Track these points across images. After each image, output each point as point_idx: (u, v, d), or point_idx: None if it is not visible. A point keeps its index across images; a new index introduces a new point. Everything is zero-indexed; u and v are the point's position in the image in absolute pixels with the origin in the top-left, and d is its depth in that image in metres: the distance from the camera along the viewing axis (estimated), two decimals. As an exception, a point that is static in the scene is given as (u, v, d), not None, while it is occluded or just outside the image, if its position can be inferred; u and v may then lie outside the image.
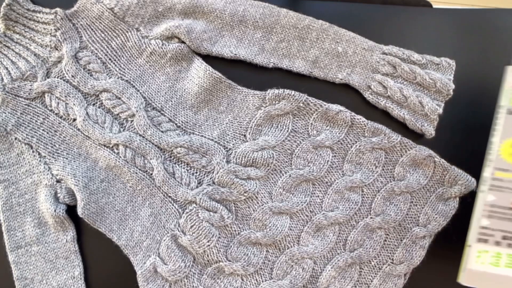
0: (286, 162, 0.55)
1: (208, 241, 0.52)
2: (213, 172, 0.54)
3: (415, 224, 0.53)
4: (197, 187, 0.54)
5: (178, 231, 0.53)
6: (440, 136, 0.55)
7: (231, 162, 0.54)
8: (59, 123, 0.55)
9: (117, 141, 0.54)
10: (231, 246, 0.53)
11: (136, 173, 0.54)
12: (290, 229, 0.54)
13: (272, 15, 0.58)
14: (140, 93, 0.56)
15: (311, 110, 0.55)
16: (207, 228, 0.52)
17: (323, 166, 0.54)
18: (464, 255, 0.49)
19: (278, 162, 0.55)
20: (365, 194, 0.54)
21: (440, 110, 0.55)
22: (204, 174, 0.54)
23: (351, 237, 0.54)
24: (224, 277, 0.53)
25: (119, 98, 0.56)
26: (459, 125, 0.57)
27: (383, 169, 0.54)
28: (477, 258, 0.48)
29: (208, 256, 0.52)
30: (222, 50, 0.58)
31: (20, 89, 0.55)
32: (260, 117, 0.55)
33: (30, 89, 0.55)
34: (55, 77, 0.56)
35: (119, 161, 0.54)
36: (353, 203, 0.54)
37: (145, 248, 0.53)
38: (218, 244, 0.52)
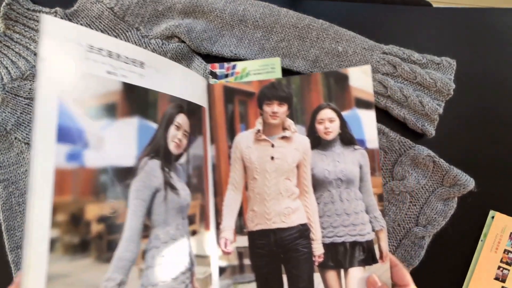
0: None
1: None
2: None
3: (414, 224, 0.53)
4: None
5: None
6: (441, 136, 0.55)
7: None
8: (59, 123, 0.55)
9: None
10: None
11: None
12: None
13: (272, 15, 0.58)
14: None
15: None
16: None
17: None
18: None
19: None
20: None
21: (441, 110, 0.55)
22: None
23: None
24: None
25: (119, 98, 0.55)
26: (459, 125, 0.57)
27: (382, 169, 0.54)
28: None
29: None
30: (222, 49, 0.58)
31: (20, 88, 0.55)
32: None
33: (30, 89, 0.55)
34: (55, 76, 0.56)
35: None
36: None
37: None
38: None
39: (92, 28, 0.57)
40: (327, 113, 0.46)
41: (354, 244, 0.45)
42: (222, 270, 0.45)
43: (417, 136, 0.56)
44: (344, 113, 0.46)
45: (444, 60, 0.57)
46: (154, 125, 0.39)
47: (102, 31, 0.57)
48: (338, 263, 0.45)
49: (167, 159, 0.39)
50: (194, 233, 0.42)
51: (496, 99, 0.58)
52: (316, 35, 0.58)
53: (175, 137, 0.41)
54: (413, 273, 0.53)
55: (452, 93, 0.55)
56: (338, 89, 0.46)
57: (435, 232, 0.53)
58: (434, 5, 0.72)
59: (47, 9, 0.57)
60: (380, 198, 0.46)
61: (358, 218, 0.46)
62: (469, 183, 0.52)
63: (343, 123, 0.46)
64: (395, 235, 0.54)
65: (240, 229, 0.46)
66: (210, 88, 0.47)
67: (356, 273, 0.45)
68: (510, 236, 0.53)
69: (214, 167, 0.47)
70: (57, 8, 0.57)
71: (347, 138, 0.46)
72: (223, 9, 0.58)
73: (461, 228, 0.53)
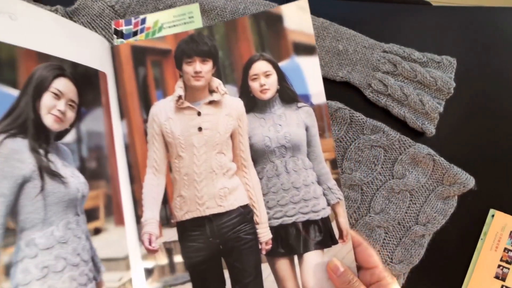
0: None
1: None
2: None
3: (414, 222, 0.53)
4: None
5: None
6: (441, 135, 0.55)
7: None
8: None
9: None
10: None
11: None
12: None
13: (273, 13, 0.58)
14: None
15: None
16: None
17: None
18: None
19: None
20: (364, 192, 0.54)
21: (441, 109, 0.55)
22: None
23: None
24: None
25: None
26: (459, 123, 0.57)
27: (382, 167, 0.54)
28: None
29: None
30: (222, 47, 0.58)
31: (20, 86, 0.55)
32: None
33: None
34: (55, 74, 0.55)
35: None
36: (352, 201, 0.54)
37: None
38: None
39: (93, 26, 0.57)
40: (261, 67, 0.39)
41: (307, 223, 0.38)
42: (148, 272, 0.36)
43: (417, 135, 0.56)
44: (281, 64, 0.38)
45: (444, 58, 0.57)
46: (14, 92, 0.29)
47: (102, 29, 0.57)
48: (290, 249, 0.38)
49: (42, 138, 0.30)
50: (97, 231, 0.33)
51: (496, 97, 0.58)
52: (316, 34, 0.58)
53: (53, 108, 0.31)
54: (413, 272, 0.53)
55: (452, 91, 0.55)
56: (271, 34, 0.38)
57: (435, 230, 0.53)
58: (434, 4, 0.72)
59: (48, 7, 0.57)
60: (333, 164, 0.39)
61: (309, 191, 0.38)
62: (469, 181, 0.52)
63: (282, 77, 0.39)
64: (395, 233, 0.53)
65: (166, 220, 0.39)
66: (114, 50, 0.38)
67: (313, 259, 0.38)
68: (510, 234, 0.53)
69: (127, 147, 0.37)
70: (58, 6, 0.57)
71: (287, 95, 0.39)
72: (223, 7, 0.58)
73: (461, 227, 0.53)
